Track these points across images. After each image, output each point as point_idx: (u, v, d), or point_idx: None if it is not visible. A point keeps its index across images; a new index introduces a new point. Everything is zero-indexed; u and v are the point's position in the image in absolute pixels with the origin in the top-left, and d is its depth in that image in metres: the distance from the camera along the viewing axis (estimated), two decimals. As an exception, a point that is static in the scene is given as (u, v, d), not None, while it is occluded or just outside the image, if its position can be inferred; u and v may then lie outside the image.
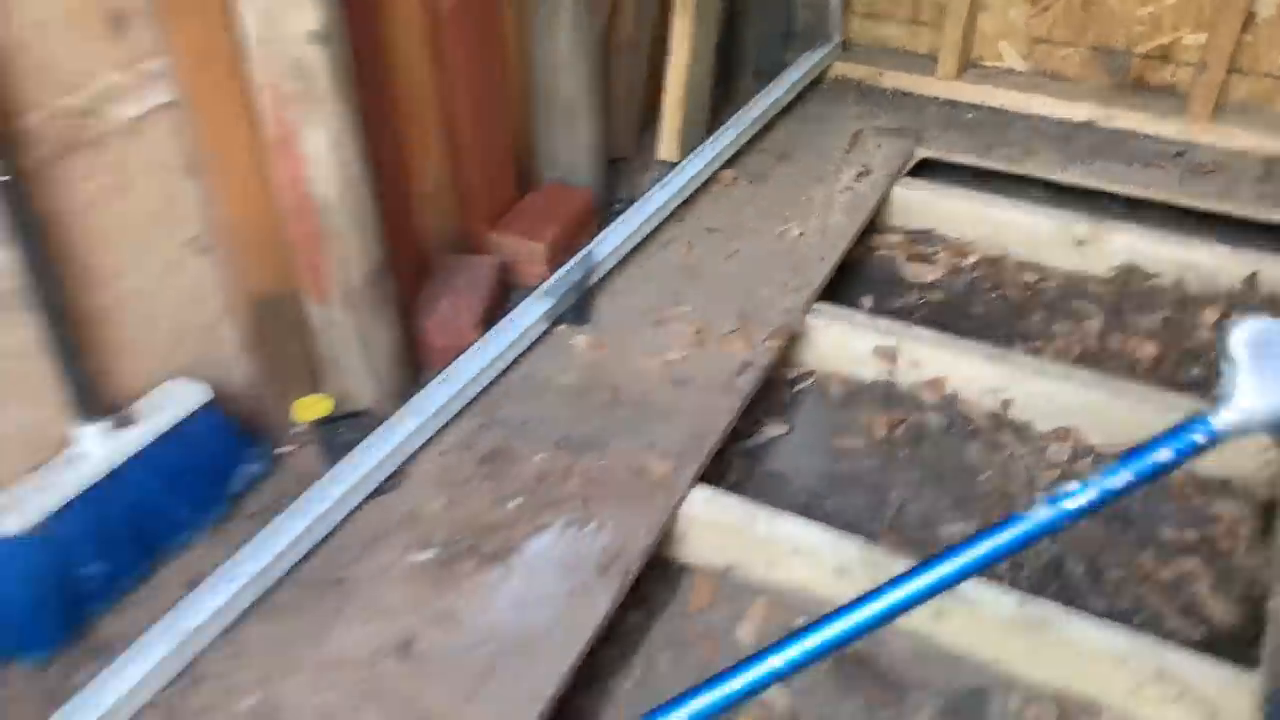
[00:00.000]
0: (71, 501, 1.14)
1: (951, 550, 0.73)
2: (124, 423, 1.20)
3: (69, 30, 1.06)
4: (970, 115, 2.25)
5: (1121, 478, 0.67)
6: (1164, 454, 0.68)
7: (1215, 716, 1.15)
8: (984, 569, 0.72)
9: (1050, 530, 0.72)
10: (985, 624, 1.27)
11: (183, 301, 1.28)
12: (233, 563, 1.22)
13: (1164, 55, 2.16)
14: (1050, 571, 1.39)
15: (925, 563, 0.79)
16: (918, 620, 1.30)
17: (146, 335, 1.24)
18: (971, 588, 1.27)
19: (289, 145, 1.24)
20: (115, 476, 1.18)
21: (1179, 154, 2.09)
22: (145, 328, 1.23)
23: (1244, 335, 0.72)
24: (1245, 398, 0.69)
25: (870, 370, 1.69)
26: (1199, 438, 0.66)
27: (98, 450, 1.17)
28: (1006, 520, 0.73)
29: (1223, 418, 0.67)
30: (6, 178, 1.01)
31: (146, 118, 1.16)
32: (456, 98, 1.55)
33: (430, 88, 1.51)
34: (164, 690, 1.13)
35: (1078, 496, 0.68)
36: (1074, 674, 1.23)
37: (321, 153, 1.25)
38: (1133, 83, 2.21)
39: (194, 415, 1.26)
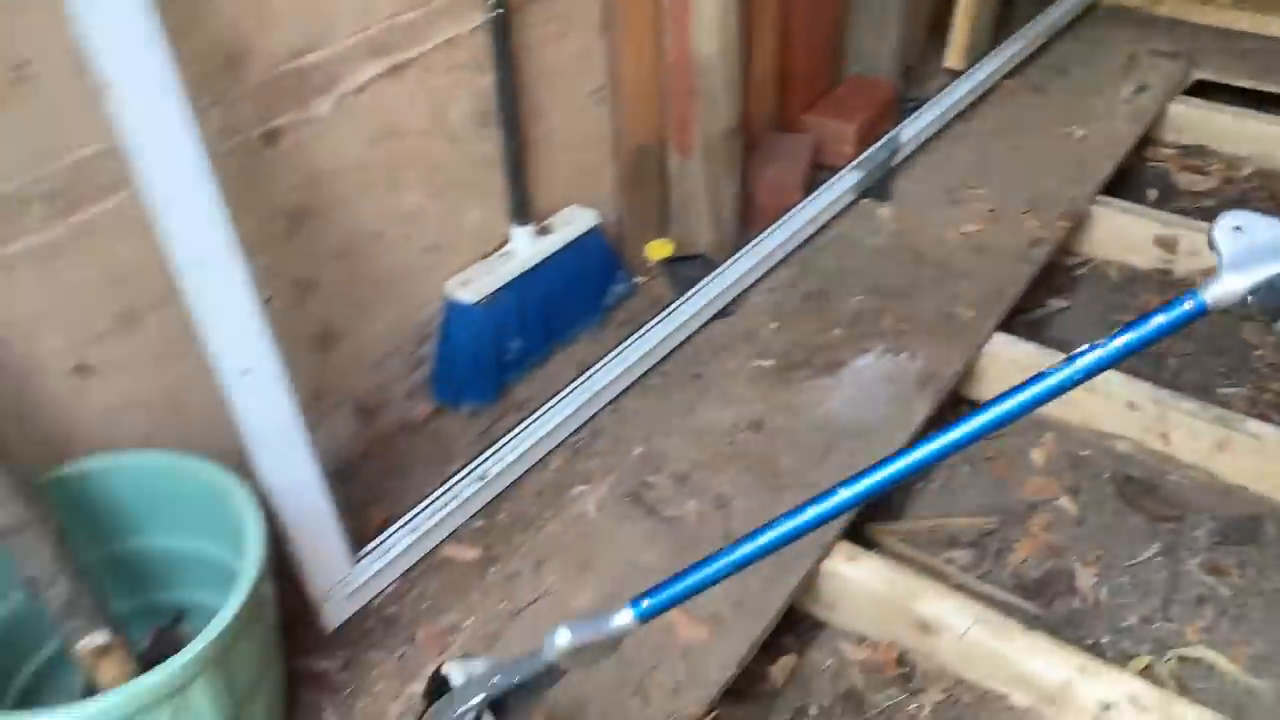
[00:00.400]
0: (508, 285, 1.44)
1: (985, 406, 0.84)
2: (543, 231, 1.49)
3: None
4: (1246, 43, 2.32)
5: (1124, 340, 0.79)
6: (1160, 319, 0.79)
7: None
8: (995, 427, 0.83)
9: (1061, 389, 0.82)
10: (1265, 458, 1.42)
11: (583, 142, 1.56)
12: (615, 352, 1.50)
13: None
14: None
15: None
16: (1198, 454, 1.47)
17: (559, 165, 1.52)
18: (1252, 424, 1.43)
19: (684, 9, 1.50)
20: (536, 271, 1.47)
21: None
22: (558, 159, 1.52)
23: (1225, 223, 0.84)
24: (1226, 274, 0.81)
25: (1148, 258, 1.83)
26: (1189, 306, 0.78)
27: (526, 249, 1.47)
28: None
29: (1210, 290, 0.79)
30: (501, 10, 1.30)
31: (585, -21, 1.44)
32: (793, -4, 1.78)
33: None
34: (569, 437, 1.42)
35: (1089, 354, 0.79)
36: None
37: (709, 15, 1.50)
38: None
39: (588, 234, 1.55)
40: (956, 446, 0.82)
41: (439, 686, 0.94)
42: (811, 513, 0.84)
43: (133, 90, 0.87)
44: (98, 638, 0.95)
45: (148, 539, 1.06)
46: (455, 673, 0.94)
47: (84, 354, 1.03)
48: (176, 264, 0.95)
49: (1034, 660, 1.17)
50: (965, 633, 1.19)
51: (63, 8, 0.83)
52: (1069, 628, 1.28)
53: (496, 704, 0.90)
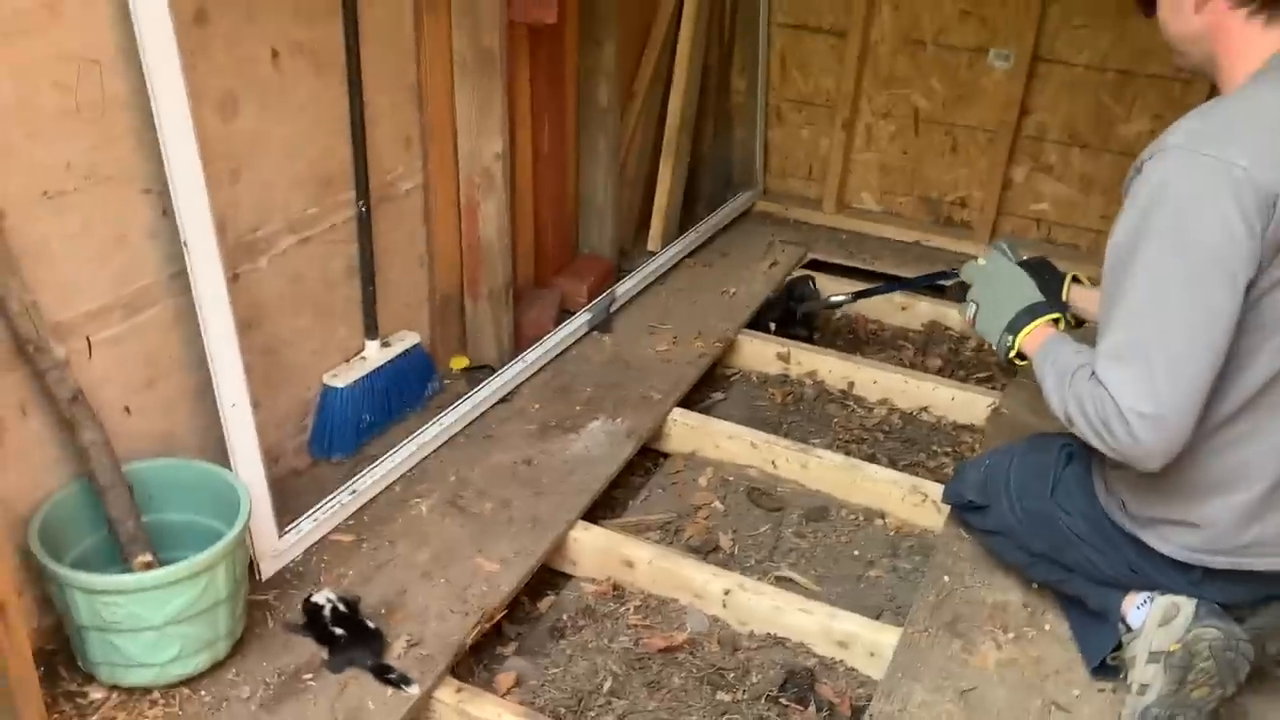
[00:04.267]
0: (363, 377, 2.24)
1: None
2: (385, 344, 2.31)
3: (392, 146, 2.24)
4: (843, 236, 3.50)
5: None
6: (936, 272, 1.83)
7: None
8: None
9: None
10: (829, 472, 2.39)
11: (411, 290, 2.41)
12: (433, 422, 2.30)
13: (961, 202, 3.45)
14: (868, 444, 2.52)
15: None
16: (793, 472, 2.41)
17: (395, 303, 2.36)
18: (821, 452, 2.40)
19: (475, 210, 2.41)
20: (380, 370, 2.28)
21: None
22: (395, 299, 2.35)
23: (974, 266, 1.89)
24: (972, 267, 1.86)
25: (774, 368, 2.85)
26: (950, 270, 1.77)
27: (374, 355, 2.27)
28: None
29: (964, 269, 1.82)
30: (365, 207, 2.16)
31: (412, 191, 2.33)
32: (543, 200, 2.73)
33: (531, 193, 2.69)
34: (407, 472, 2.20)
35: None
36: (871, 496, 2.35)
37: (491, 215, 2.42)
38: (944, 219, 3.49)
39: (413, 348, 2.38)
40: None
41: (313, 608, 1.72)
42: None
43: (196, 251, 1.66)
44: (147, 556, 1.66)
45: (171, 513, 1.76)
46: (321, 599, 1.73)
47: (128, 400, 1.75)
48: (208, 343, 1.71)
49: (690, 573, 2.03)
50: (650, 561, 2.05)
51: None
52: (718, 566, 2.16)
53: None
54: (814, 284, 3.02)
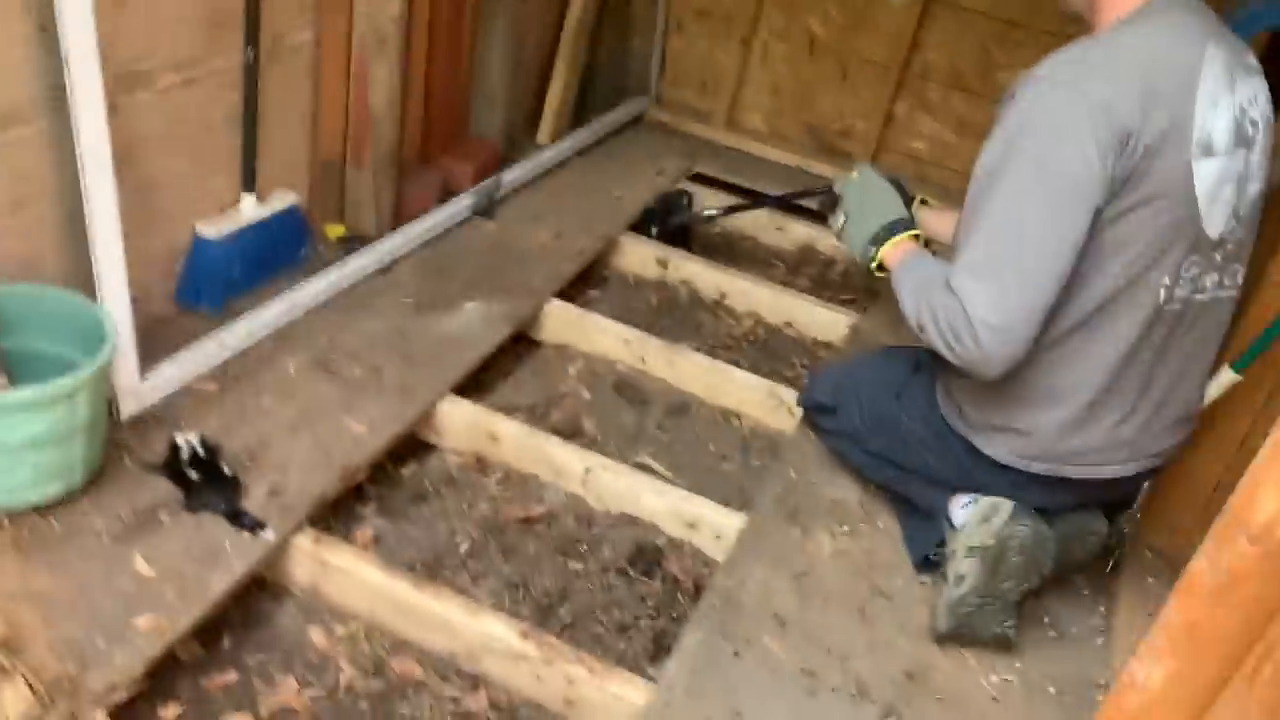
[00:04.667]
0: (236, 231, 2.19)
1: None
2: (261, 200, 2.26)
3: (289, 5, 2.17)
4: (730, 153, 3.57)
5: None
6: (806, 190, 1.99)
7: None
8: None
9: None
10: (693, 372, 2.48)
11: (292, 150, 2.36)
12: (306, 283, 2.28)
13: (844, 133, 3.56)
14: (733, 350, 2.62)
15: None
16: (660, 369, 2.50)
17: (276, 161, 2.30)
18: (688, 353, 2.49)
19: (365, 74, 2.36)
20: (255, 226, 2.24)
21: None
22: (276, 157, 2.30)
23: (848, 179, 1.98)
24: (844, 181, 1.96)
25: (652, 272, 2.91)
26: (819, 189, 1.88)
27: (250, 210, 2.23)
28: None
29: (836, 182, 1.92)
30: (252, 58, 2.09)
31: (304, 45, 2.27)
32: (436, 74, 2.69)
33: (425, 65, 2.64)
34: (274, 333, 2.17)
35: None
36: (731, 397, 2.45)
37: (381, 79, 2.38)
38: (827, 147, 3.59)
39: (290, 209, 2.33)
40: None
41: (173, 449, 1.73)
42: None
43: (77, 69, 1.59)
44: (3, 379, 1.61)
45: (30, 341, 1.71)
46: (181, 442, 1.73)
47: (-12, 220, 1.68)
48: (82, 168, 1.65)
49: (553, 450, 2.10)
50: (515, 438, 2.11)
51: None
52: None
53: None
54: (689, 199, 3.08)
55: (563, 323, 2.55)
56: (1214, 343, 1.73)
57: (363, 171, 2.49)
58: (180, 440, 1.80)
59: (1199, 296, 1.63)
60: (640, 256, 2.92)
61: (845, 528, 2.02)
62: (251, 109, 2.14)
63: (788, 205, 3.00)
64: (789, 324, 2.82)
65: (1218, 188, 1.54)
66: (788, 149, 3.56)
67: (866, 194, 1.93)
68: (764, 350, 2.74)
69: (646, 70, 3.66)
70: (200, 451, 1.79)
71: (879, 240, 1.82)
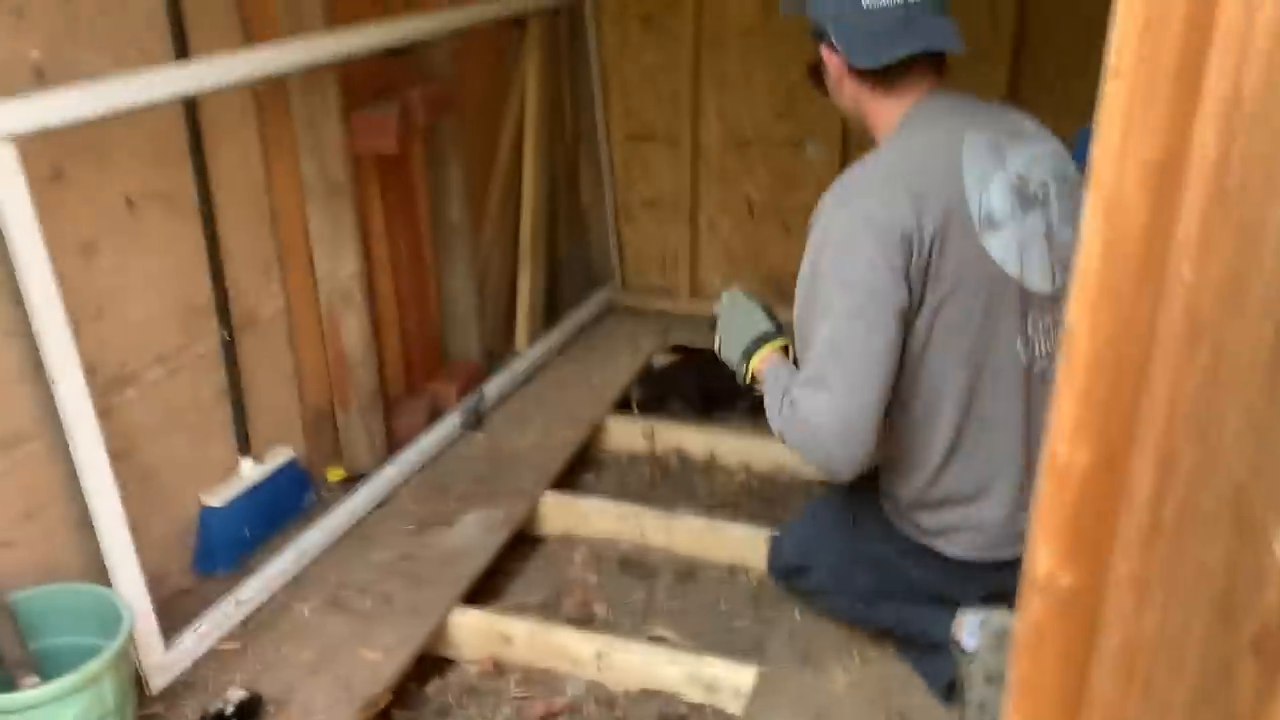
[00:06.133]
0: (240, 494, 2.35)
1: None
2: (259, 461, 2.43)
3: (251, 274, 2.40)
4: (699, 320, 3.75)
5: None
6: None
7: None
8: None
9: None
10: (694, 536, 2.56)
11: (282, 408, 2.55)
12: (310, 529, 2.42)
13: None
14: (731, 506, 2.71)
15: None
16: (660, 540, 2.58)
17: (266, 422, 2.49)
18: (687, 518, 2.58)
19: (337, 327, 2.57)
20: (257, 486, 2.40)
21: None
22: (266, 418, 2.49)
23: (719, 304, 2.11)
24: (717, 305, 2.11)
25: (640, 446, 3.04)
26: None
27: (249, 472, 2.39)
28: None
29: (713, 307, 2.10)
30: (229, 337, 2.30)
31: (275, 314, 2.48)
32: (407, 312, 2.91)
33: (396, 308, 2.86)
34: (286, 583, 2.30)
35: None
36: (733, 552, 2.52)
37: (353, 330, 2.58)
38: (788, 292, 3.77)
39: (288, 464, 2.50)
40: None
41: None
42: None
43: (63, 387, 1.79)
44: (34, 679, 1.73)
45: (56, 638, 1.84)
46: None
47: (7, 535, 1.84)
48: (81, 473, 1.82)
49: (563, 641, 2.17)
50: (526, 635, 2.19)
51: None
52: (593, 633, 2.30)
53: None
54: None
55: (560, 513, 2.66)
56: None
57: (350, 414, 2.67)
58: (214, 707, 1.90)
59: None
60: (627, 434, 3.05)
61: (858, 659, 2.06)
62: (235, 382, 2.34)
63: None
64: (781, 469, 2.92)
65: (1020, 252, 1.67)
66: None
67: (734, 315, 2.05)
68: (761, 499, 2.83)
69: (607, 259, 3.89)
70: (229, 711, 1.89)
71: (749, 354, 1.94)
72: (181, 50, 2.09)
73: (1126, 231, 0.61)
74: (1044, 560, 0.72)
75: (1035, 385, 1.73)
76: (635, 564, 2.55)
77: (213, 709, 1.90)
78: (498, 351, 3.40)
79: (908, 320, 1.66)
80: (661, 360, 3.46)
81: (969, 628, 1.88)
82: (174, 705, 1.94)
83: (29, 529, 1.89)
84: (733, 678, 2.06)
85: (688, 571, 2.52)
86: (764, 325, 1.99)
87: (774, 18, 3.41)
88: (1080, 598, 0.67)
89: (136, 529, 1.96)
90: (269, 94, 2.37)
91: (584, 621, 2.35)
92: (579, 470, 2.93)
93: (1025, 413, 1.73)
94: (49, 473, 1.91)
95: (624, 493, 2.84)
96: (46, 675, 1.74)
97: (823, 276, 1.67)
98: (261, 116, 2.38)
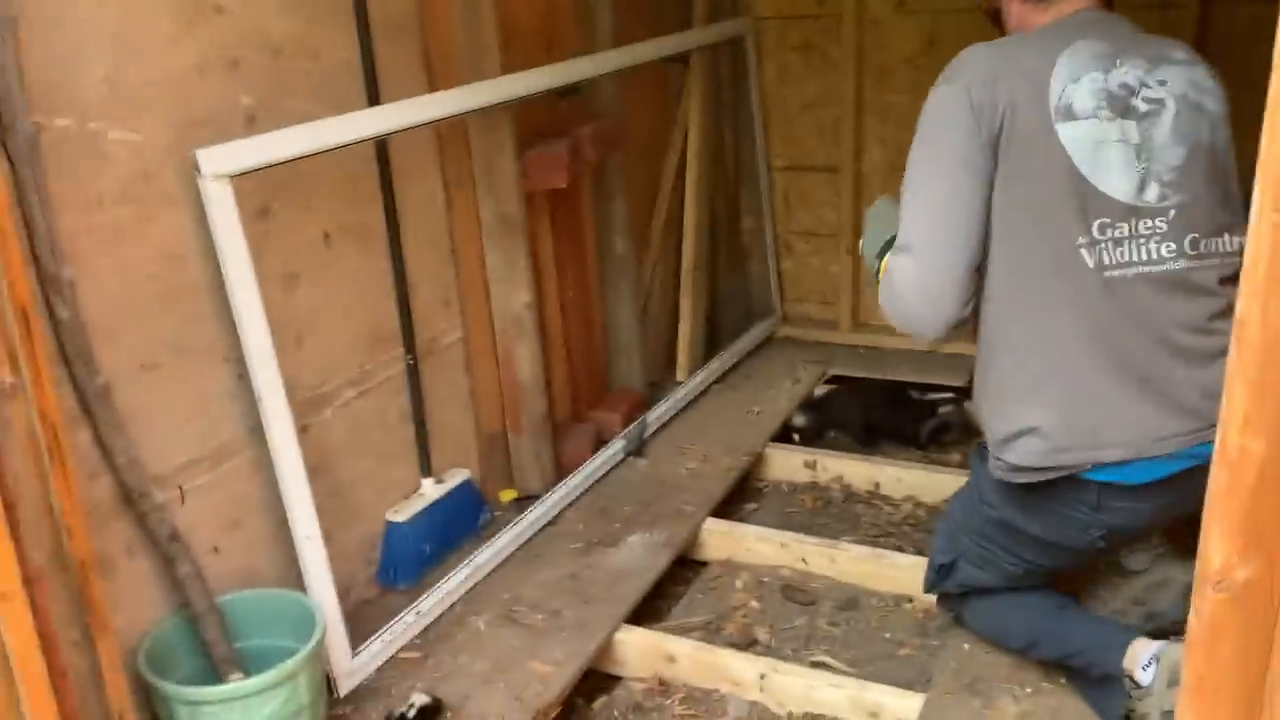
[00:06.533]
0: (421, 511, 2.49)
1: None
2: (439, 481, 2.57)
3: (433, 305, 2.55)
4: (861, 351, 3.73)
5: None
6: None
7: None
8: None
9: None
10: (857, 564, 2.55)
11: (459, 430, 2.68)
12: (485, 547, 2.53)
13: (968, 309, 3.67)
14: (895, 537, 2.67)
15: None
16: (822, 567, 2.58)
17: (446, 444, 2.63)
18: (849, 547, 2.56)
19: (510, 355, 2.70)
20: (436, 504, 2.53)
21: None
22: (445, 440, 2.62)
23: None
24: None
25: (802, 476, 3.04)
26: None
27: (430, 491, 2.53)
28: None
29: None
30: (413, 360, 2.45)
31: (454, 342, 2.63)
32: (574, 342, 3.02)
33: (564, 337, 2.98)
34: (462, 596, 2.41)
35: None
36: (897, 583, 2.49)
37: (525, 358, 2.70)
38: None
39: (465, 484, 2.63)
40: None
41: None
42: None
43: (268, 407, 1.95)
44: (239, 674, 1.89)
45: (257, 639, 2.00)
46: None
47: (217, 541, 2.02)
48: (283, 486, 1.98)
49: (727, 662, 2.20)
50: (690, 655, 2.22)
51: (240, 368, 1.93)
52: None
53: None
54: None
55: (721, 540, 2.69)
56: (1203, 319, 1.75)
57: (521, 438, 2.79)
58: (398, 710, 2.02)
59: (1152, 268, 1.73)
60: (787, 463, 3.06)
61: (1028, 689, 2.00)
62: (418, 405, 2.49)
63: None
64: (946, 501, 2.86)
65: (1094, 150, 1.72)
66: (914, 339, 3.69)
67: (877, 219, 2.08)
68: (927, 530, 2.78)
69: (767, 292, 3.92)
70: (412, 714, 2.00)
71: (881, 254, 1.98)
72: (374, 97, 2.27)
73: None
74: (1219, 553, 0.71)
75: (1107, 292, 1.73)
76: (797, 591, 2.55)
77: (397, 711, 2.01)
78: (659, 380, 3.47)
79: (987, 192, 1.75)
80: (822, 390, 3.45)
81: (1142, 661, 1.81)
82: (360, 708, 2.07)
83: (235, 537, 2.06)
84: (898, 705, 2.04)
85: (851, 600, 2.51)
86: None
87: (937, 46, 3.39)
88: (1258, 591, 0.67)
89: (328, 541, 2.11)
90: (450, 137, 2.54)
91: (746, 645, 2.36)
92: (738, 500, 2.96)
93: (1090, 319, 1.74)
94: (252, 485, 2.08)
95: (786, 522, 2.84)
96: (248, 672, 1.90)
97: (917, 145, 1.80)
98: (443, 158, 2.54)
